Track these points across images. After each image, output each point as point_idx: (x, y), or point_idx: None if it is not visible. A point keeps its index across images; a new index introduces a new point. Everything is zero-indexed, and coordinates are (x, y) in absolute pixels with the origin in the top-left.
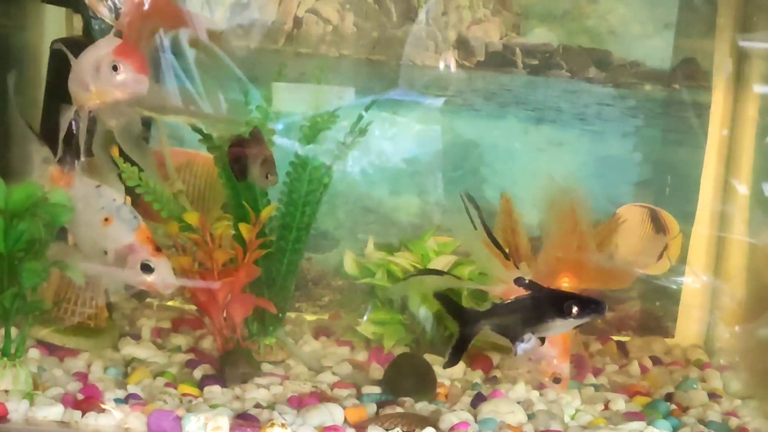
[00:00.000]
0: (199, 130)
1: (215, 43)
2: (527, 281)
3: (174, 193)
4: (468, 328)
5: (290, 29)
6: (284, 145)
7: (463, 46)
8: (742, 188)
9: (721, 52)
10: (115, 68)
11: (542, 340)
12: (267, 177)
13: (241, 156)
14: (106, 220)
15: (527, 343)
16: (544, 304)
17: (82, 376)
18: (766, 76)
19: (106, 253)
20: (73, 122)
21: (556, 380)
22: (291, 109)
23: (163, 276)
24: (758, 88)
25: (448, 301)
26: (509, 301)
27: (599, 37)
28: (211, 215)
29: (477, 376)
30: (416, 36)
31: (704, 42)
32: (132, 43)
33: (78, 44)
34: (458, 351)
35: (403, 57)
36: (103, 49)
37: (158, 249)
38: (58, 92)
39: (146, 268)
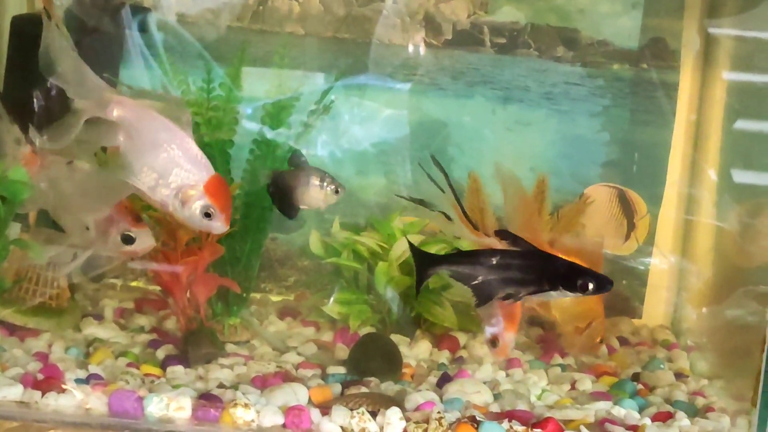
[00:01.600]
0: None
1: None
2: (513, 236)
3: None
4: (422, 270)
5: (256, 6)
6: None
7: (430, 24)
8: (710, 169)
9: (690, 32)
10: (207, 215)
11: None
12: (337, 192)
13: (285, 188)
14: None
15: (494, 327)
16: (542, 270)
17: (43, 357)
18: (734, 56)
19: (87, 228)
20: (36, 100)
21: (493, 343)
22: (254, 88)
23: (145, 246)
24: (726, 68)
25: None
26: (482, 251)
27: (567, 16)
28: None
29: (443, 357)
30: (383, 14)
31: (672, 21)
32: (221, 179)
33: (39, 21)
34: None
35: (370, 35)
36: (188, 174)
37: (138, 219)
38: (19, 68)
39: (127, 239)
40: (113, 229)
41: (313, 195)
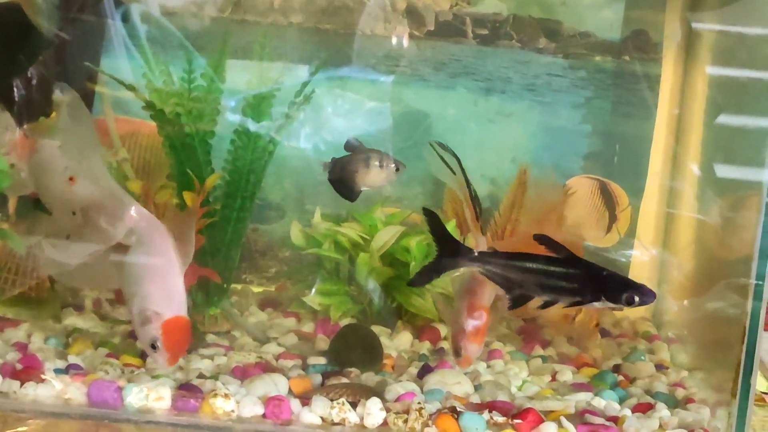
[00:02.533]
0: (143, 98)
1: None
2: (552, 242)
3: (118, 162)
4: (449, 257)
5: None
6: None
7: (412, 15)
8: (691, 162)
9: (672, 24)
10: (153, 347)
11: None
12: (398, 169)
13: (346, 172)
14: (71, 179)
15: (460, 337)
16: (583, 280)
17: (22, 347)
18: (717, 48)
19: (74, 213)
20: (15, 88)
21: (456, 354)
22: (235, 79)
23: None
24: (708, 61)
25: (435, 219)
26: (521, 253)
27: (550, 7)
28: (155, 184)
29: (424, 348)
30: (365, 5)
31: (655, 13)
32: (184, 324)
33: (18, 9)
34: (428, 273)
35: (351, 26)
36: (160, 302)
37: None
38: (2, 56)
39: None
40: (99, 216)
41: (375, 175)
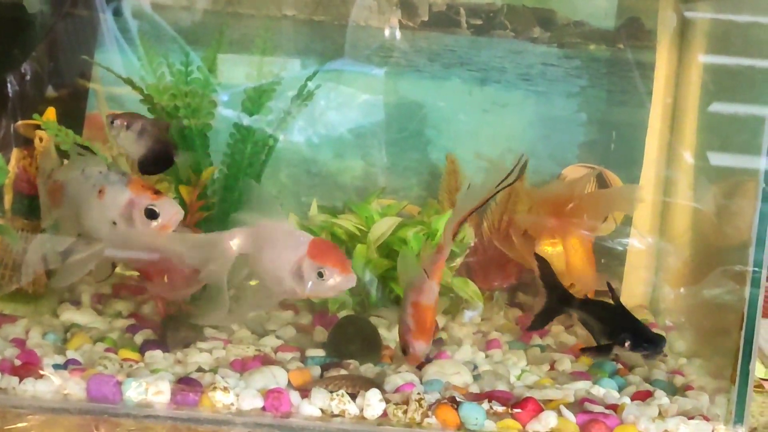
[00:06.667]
0: (140, 90)
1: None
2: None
3: (113, 156)
4: (555, 303)
5: None
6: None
7: (406, 6)
8: (686, 150)
9: (666, 11)
10: (320, 275)
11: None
12: None
13: None
14: (101, 192)
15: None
16: (620, 325)
17: (20, 342)
18: (710, 36)
19: (115, 222)
20: (9, 85)
21: (404, 352)
22: (233, 73)
23: (172, 215)
24: (702, 48)
25: (546, 266)
26: (603, 302)
27: None
28: (151, 177)
29: None
30: None
31: (648, 1)
32: (321, 239)
33: (20, 8)
34: (541, 320)
35: (345, 17)
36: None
37: (157, 192)
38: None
39: (151, 214)
40: (135, 210)
41: None
